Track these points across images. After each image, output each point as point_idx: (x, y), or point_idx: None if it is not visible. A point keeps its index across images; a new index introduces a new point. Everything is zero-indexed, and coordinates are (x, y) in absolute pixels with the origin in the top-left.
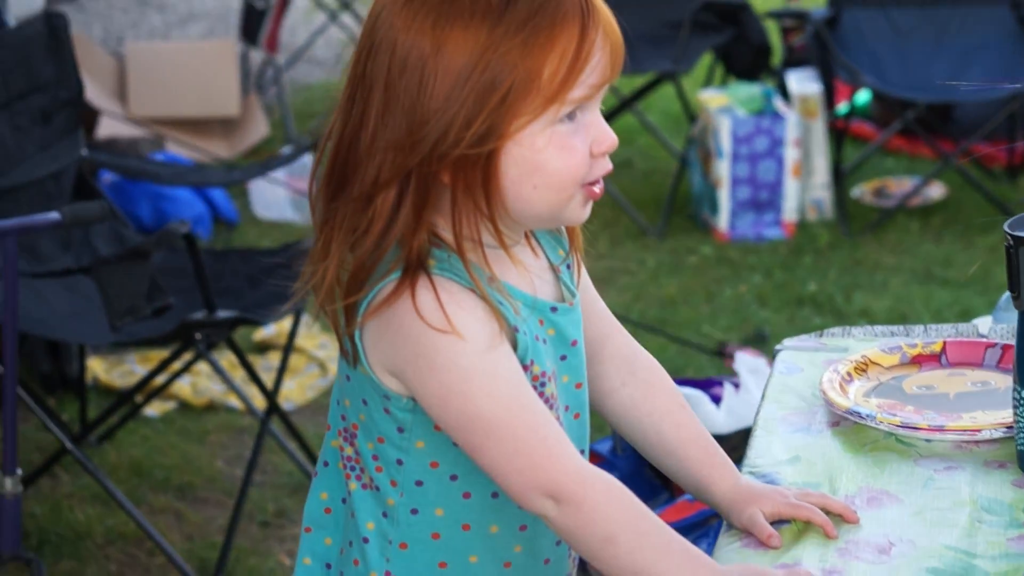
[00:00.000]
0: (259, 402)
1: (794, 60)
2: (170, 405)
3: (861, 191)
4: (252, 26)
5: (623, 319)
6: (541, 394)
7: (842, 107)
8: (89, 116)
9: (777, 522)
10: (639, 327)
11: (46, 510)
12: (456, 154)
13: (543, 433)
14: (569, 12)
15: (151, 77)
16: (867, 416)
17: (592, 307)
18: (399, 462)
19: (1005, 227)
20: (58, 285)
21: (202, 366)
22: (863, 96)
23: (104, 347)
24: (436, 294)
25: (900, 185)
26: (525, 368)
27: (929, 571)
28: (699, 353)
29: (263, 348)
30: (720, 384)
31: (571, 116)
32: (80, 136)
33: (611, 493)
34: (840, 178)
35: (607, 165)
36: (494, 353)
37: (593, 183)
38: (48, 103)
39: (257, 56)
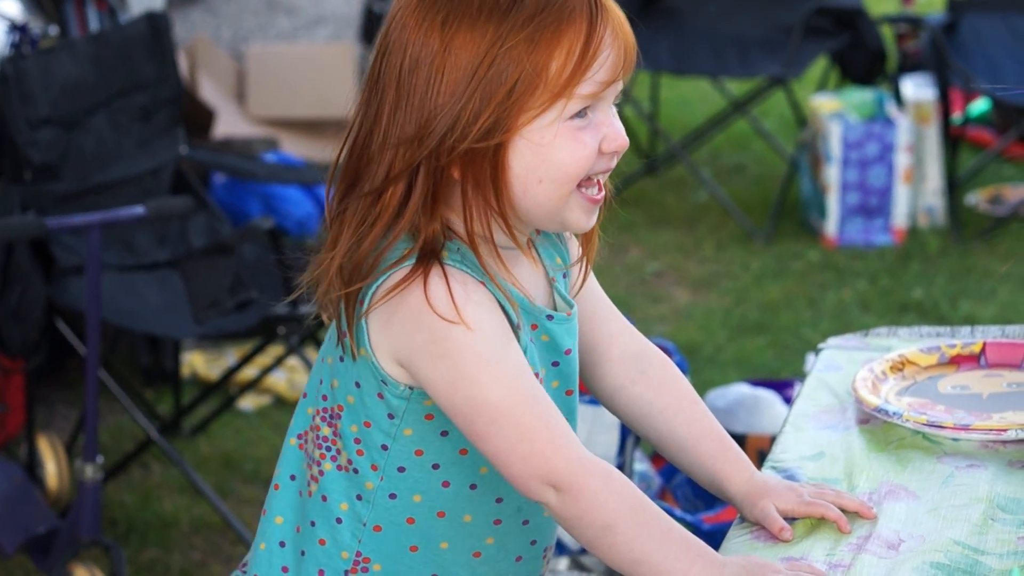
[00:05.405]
0: None
1: (908, 66)
2: (266, 399)
3: (976, 198)
4: (372, 29)
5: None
6: None
7: (957, 117)
8: (207, 115)
9: (791, 517)
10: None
11: (136, 499)
12: (464, 148)
13: (547, 422)
14: (576, 9)
15: (270, 79)
16: (894, 414)
17: (598, 307)
18: (384, 447)
19: None
20: (151, 279)
21: (299, 361)
22: (980, 106)
23: (193, 340)
24: (448, 284)
25: (1016, 193)
26: None
27: (933, 566)
28: (796, 356)
29: None
30: (793, 386)
31: (581, 113)
32: (179, 134)
33: (610, 483)
34: (954, 185)
35: (610, 163)
36: (503, 343)
37: (590, 185)
38: (148, 101)
39: None
